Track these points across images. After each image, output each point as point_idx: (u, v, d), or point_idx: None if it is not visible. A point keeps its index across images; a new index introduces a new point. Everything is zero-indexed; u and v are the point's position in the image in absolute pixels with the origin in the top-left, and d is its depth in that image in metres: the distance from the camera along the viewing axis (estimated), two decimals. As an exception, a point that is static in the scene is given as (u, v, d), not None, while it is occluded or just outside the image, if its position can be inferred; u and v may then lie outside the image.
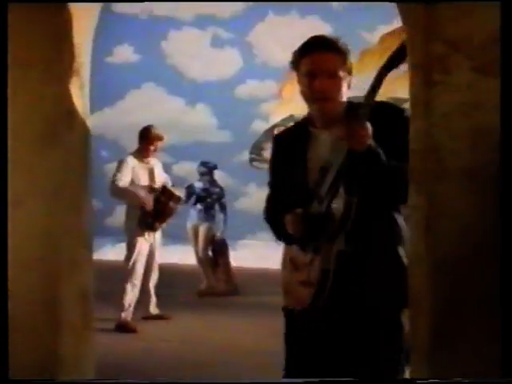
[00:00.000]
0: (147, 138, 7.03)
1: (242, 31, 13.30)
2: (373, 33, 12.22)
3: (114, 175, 6.86)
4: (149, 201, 6.88)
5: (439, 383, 3.69)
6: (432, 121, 2.49)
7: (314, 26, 12.51)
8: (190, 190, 9.40)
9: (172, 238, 10.83)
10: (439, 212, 2.45)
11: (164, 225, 7.18)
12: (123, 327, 6.85)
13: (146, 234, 6.96)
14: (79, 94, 2.92)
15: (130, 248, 6.97)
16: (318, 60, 2.94)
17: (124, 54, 13.96)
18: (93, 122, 10.80)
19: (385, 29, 12.03)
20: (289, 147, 3.19)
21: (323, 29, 12.34)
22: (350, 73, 2.98)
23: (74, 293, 2.81)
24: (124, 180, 6.85)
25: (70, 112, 2.86)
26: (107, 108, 14.10)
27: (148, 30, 13.35)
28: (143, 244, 6.99)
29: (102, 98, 13.78)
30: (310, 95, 2.96)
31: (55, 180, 2.75)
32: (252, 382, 2.65)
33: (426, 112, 2.56)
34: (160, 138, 7.08)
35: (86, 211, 3.00)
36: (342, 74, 2.94)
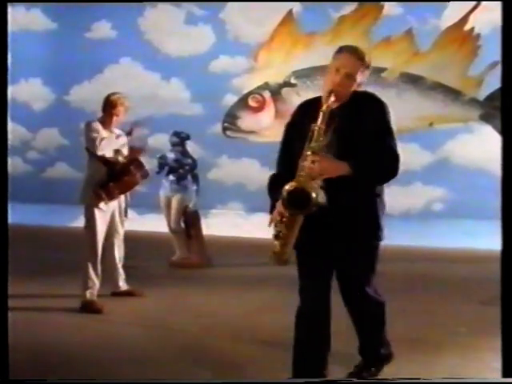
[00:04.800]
0: (109, 107, 6.52)
1: (215, 8, 13.11)
2: (339, 11, 12.10)
3: (94, 137, 6.35)
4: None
5: (438, 383, 3.67)
6: None
7: (284, 3, 12.34)
8: (163, 160, 9.21)
9: (149, 208, 10.73)
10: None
11: (122, 197, 6.65)
12: (88, 307, 6.28)
13: (103, 203, 6.39)
14: None
15: (88, 218, 6.43)
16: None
17: (102, 30, 13.73)
18: (73, 95, 10.68)
19: (350, 8, 11.95)
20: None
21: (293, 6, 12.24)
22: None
23: None
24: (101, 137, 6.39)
25: None
26: (86, 82, 13.87)
27: (125, 6, 13.13)
28: (102, 214, 6.44)
29: (81, 72, 13.57)
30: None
31: None
32: (253, 381, 2.62)
33: None
34: (121, 104, 6.52)
35: None
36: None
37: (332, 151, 3.68)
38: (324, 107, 3.62)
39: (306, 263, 3.94)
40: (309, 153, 3.60)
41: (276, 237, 3.79)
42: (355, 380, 3.95)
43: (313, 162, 3.58)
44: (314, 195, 3.56)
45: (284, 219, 3.71)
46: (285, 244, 3.76)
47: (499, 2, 2.62)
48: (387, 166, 3.75)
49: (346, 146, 3.69)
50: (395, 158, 3.73)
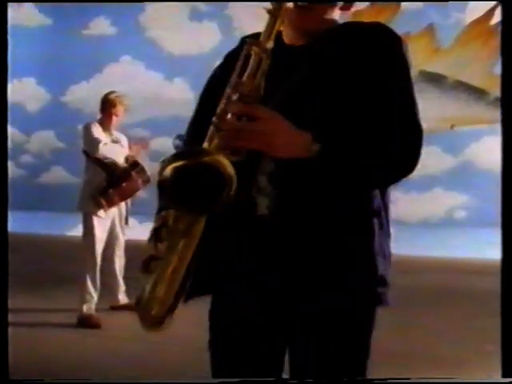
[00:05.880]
0: (108, 106, 6.46)
1: (221, 4, 13.04)
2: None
3: (94, 142, 6.29)
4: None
5: (438, 383, 3.58)
6: None
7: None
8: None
9: (151, 215, 10.62)
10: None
11: (123, 204, 6.57)
12: (85, 321, 6.16)
13: (103, 211, 6.29)
14: None
15: (87, 227, 6.33)
16: None
17: (101, 26, 13.67)
18: (70, 95, 10.50)
19: (357, 6, 11.87)
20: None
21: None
22: None
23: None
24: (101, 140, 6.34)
25: None
26: (84, 82, 13.83)
27: (124, 2, 13.08)
28: (101, 222, 6.36)
29: (79, 71, 13.51)
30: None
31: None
32: (250, 380, 2.50)
33: None
34: (120, 103, 6.47)
35: None
36: None
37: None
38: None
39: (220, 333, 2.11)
40: (235, 99, 1.75)
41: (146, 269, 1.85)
42: (351, 380, 3.63)
43: (241, 115, 1.73)
44: (230, 172, 1.62)
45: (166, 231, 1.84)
46: (159, 284, 1.84)
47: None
48: (402, 152, 1.84)
49: (313, 109, 1.87)
50: (417, 134, 1.88)
